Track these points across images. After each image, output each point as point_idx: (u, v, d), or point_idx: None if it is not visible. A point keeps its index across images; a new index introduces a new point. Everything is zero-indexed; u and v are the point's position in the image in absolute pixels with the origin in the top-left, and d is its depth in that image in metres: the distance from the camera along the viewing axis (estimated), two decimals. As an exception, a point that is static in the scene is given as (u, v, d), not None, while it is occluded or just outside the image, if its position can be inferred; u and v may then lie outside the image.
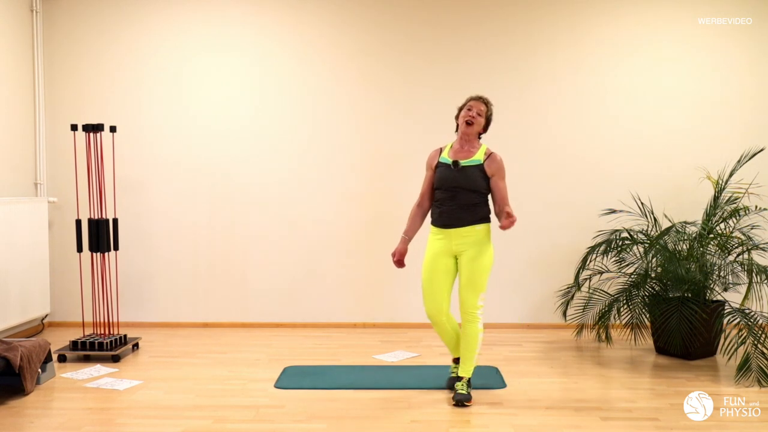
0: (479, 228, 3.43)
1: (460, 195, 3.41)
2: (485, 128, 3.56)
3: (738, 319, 3.97)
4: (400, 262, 3.60)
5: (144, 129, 5.26)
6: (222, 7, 5.26)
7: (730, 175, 4.58)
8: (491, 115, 3.55)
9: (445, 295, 3.50)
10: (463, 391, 3.47)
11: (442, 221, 3.46)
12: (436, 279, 3.47)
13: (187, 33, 5.26)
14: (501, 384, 3.78)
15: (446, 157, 3.51)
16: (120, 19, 5.25)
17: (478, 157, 3.46)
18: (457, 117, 3.57)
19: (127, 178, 5.24)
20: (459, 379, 3.53)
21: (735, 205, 4.52)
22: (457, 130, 3.58)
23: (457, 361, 3.71)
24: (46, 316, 5.19)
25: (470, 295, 3.43)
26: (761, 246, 4.34)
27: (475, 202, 3.43)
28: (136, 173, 5.27)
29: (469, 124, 3.46)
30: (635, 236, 4.59)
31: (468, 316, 3.46)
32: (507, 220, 3.26)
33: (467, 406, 3.42)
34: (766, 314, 4.06)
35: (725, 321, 4.09)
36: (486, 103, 3.53)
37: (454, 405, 3.42)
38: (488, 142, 5.24)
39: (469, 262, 3.42)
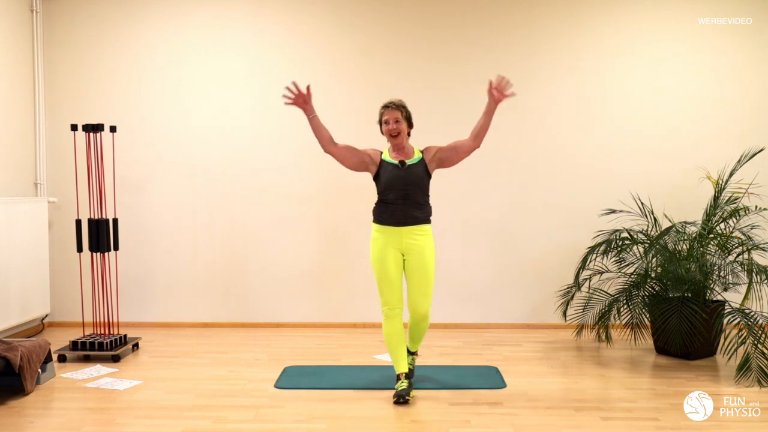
0: (427, 228, 3.58)
1: (412, 193, 3.52)
2: (410, 125, 3.63)
3: (738, 319, 3.97)
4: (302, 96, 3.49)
5: (144, 129, 5.26)
6: (222, 8, 5.26)
7: (730, 175, 4.58)
8: (408, 112, 3.62)
9: (401, 286, 3.60)
10: (411, 366, 3.78)
11: (396, 219, 3.52)
12: (391, 272, 3.54)
13: (187, 33, 5.26)
14: (501, 384, 3.78)
15: (390, 159, 3.59)
16: (120, 19, 5.25)
17: (417, 155, 3.60)
18: (381, 131, 3.64)
19: (127, 178, 5.24)
20: (407, 390, 3.51)
21: (735, 205, 4.52)
22: (388, 140, 3.64)
23: (404, 375, 3.56)
24: (46, 316, 5.19)
25: (425, 299, 3.56)
26: (761, 246, 4.34)
27: (425, 200, 3.58)
28: (136, 173, 5.27)
29: (394, 136, 3.56)
30: (635, 236, 4.59)
31: (419, 317, 3.60)
32: (499, 86, 3.61)
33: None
34: (766, 314, 4.06)
35: (725, 321, 4.09)
36: (398, 106, 3.58)
37: (405, 377, 3.55)
38: (489, 141, 5.25)
39: (419, 266, 3.52)
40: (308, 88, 3.53)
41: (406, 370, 3.60)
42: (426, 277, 3.52)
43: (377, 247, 3.57)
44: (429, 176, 3.59)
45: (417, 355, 3.89)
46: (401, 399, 3.45)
